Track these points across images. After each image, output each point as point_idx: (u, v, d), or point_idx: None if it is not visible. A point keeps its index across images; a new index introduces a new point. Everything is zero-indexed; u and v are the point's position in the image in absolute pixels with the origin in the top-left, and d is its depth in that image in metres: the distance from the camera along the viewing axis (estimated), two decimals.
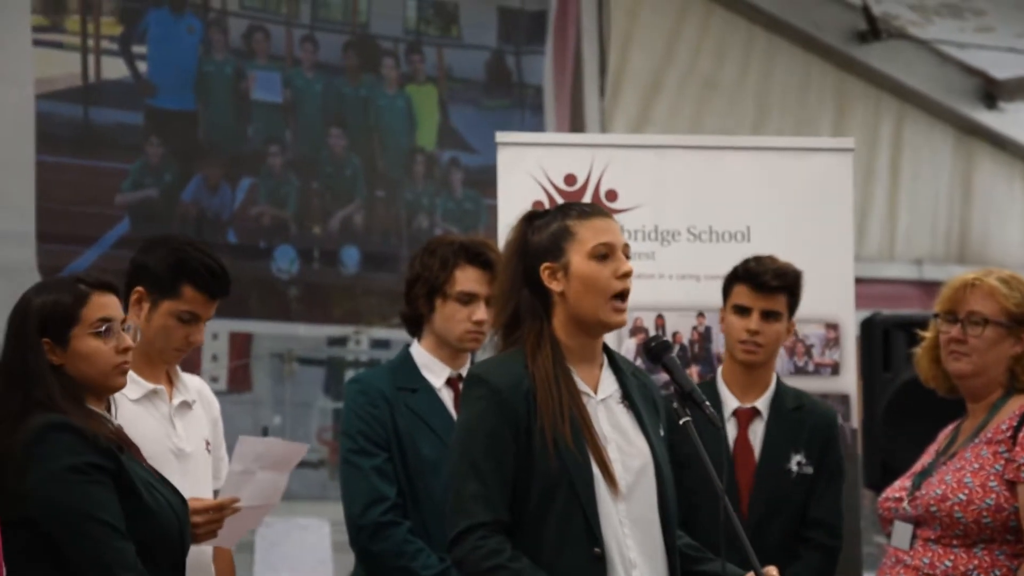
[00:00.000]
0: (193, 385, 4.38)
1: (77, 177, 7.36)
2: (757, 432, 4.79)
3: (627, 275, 3.65)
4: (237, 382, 7.30)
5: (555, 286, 3.67)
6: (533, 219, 3.76)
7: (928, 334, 4.46)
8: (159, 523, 3.64)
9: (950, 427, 4.49)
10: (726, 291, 4.85)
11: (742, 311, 4.78)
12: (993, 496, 4.13)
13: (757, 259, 4.83)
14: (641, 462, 3.66)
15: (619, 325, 3.70)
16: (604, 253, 3.65)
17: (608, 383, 3.73)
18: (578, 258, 3.65)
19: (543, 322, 3.68)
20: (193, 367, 7.03)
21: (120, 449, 3.63)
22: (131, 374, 4.10)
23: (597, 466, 3.59)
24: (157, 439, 4.12)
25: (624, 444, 3.66)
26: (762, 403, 4.81)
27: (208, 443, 4.32)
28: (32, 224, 7.07)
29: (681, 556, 3.72)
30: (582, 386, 3.67)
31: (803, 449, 4.74)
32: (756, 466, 4.74)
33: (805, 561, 4.69)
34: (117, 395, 3.99)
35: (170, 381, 4.27)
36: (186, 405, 4.28)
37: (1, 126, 7.10)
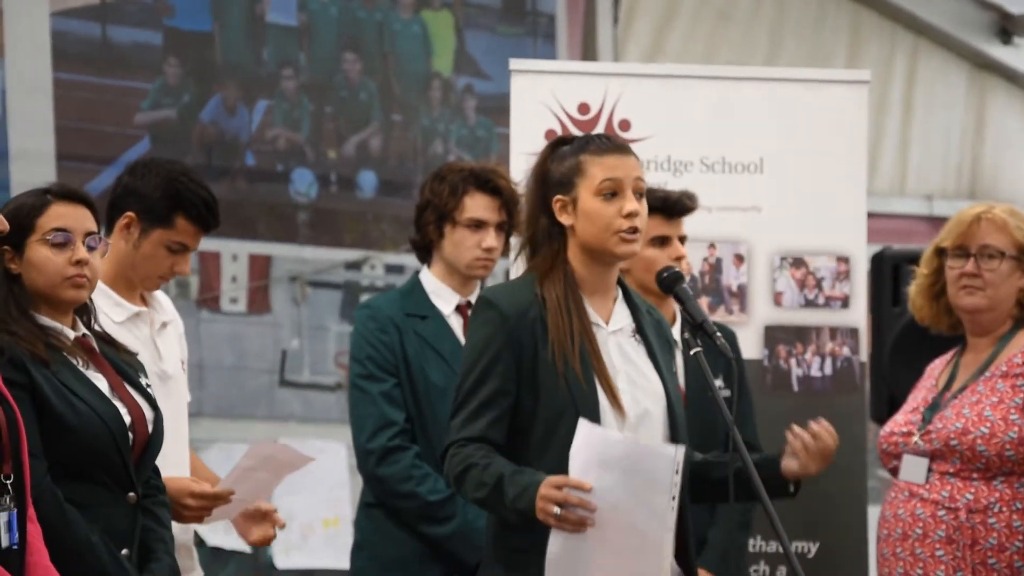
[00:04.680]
0: (167, 304, 4.33)
1: (95, 95, 7.34)
2: (678, 362, 4.73)
3: (632, 214, 3.63)
4: (256, 304, 7.31)
5: (565, 219, 3.68)
6: (557, 147, 3.75)
7: (924, 271, 4.46)
8: (81, 438, 3.54)
9: (939, 361, 4.49)
10: None
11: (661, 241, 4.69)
12: (1016, 429, 4.15)
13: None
14: (652, 396, 3.67)
15: (627, 255, 3.68)
16: (612, 191, 3.63)
17: (621, 316, 3.74)
18: (586, 194, 3.65)
19: (559, 250, 3.69)
20: (212, 287, 7.07)
21: (45, 363, 3.53)
22: (115, 297, 4.09)
23: (605, 394, 3.59)
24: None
25: (636, 376, 3.67)
26: (675, 331, 4.68)
27: (184, 362, 4.29)
28: (52, 143, 7.08)
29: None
30: (593, 316, 3.68)
31: (720, 373, 4.66)
32: (686, 394, 4.59)
33: None
34: (100, 316, 3.91)
35: (145, 301, 4.22)
36: (163, 325, 4.23)
37: (18, 43, 7.09)
